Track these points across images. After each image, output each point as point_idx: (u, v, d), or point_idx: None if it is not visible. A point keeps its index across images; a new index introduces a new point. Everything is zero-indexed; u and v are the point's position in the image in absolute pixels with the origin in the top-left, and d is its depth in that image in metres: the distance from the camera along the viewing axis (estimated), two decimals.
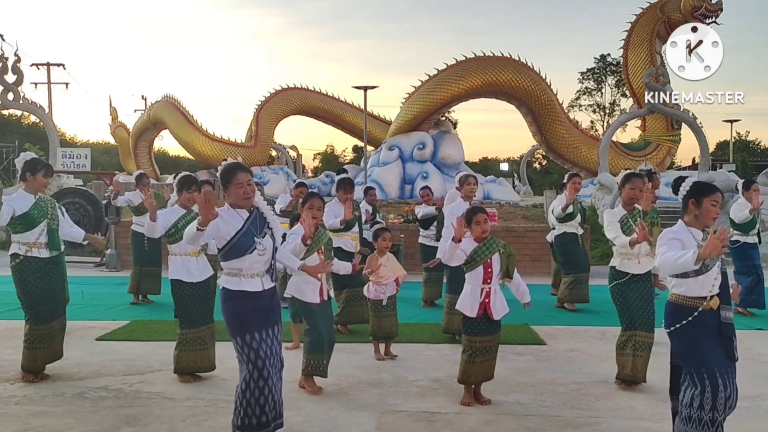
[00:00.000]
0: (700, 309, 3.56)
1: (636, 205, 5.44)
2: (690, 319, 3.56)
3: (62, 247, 5.49)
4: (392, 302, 6.13)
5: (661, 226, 5.50)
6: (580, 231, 8.79)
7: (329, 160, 55.89)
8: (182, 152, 30.34)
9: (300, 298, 5.06)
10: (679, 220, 3.75)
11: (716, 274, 3.54)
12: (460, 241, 4.67)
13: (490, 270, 4.80)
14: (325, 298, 5.13)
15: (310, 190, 7.60)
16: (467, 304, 4.82)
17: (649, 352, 5.25)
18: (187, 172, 5.70)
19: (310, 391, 5.05)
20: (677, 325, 3.60)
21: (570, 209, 8.43)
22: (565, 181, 8.71)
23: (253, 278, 3.82)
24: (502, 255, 4.85)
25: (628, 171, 5.61)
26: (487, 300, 4.79)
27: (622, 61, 21.23)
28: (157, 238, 5.46)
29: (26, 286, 5.28)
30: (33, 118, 36.73)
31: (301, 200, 5.45)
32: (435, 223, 8.98)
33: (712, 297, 3.55)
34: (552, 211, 8.78)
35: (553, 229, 9.27)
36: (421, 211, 9.15)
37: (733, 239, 8.42)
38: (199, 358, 5.36)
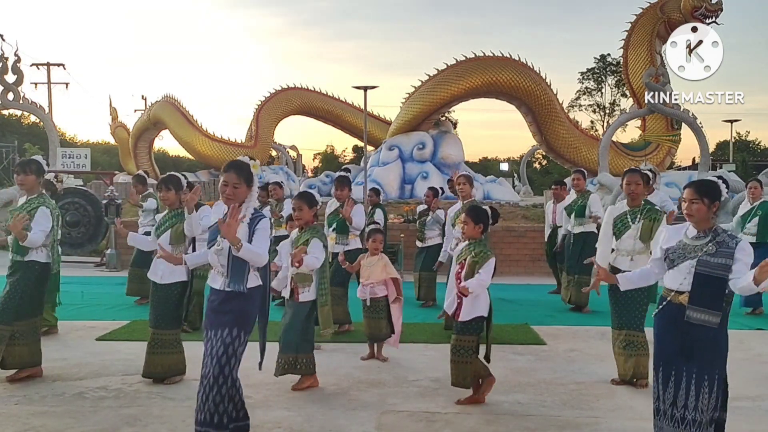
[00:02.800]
0: (668, 299, 3.63)
1: (642, 201, 5.53)
2: (661, 306, 3.67)
3: (26, 256, 5.26)
4: (378, 305, 6.07)
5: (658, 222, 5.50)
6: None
7: (329, 160, 55.94)
8: (182, 152, 30.40)
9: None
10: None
11: (686, 274, 3.55)
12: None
13: (460, 270, 4.84)
14: (287, 296, 5.21)
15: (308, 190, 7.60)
16: (449, 301, 4.92)
17: (641, 349, 5.29)
18: (171, 173, 5.69)
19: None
20: (655, 311, 3.73)
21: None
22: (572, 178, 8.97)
23: (217, 275, 3.96)
24: (472, 258, 4.83)
25: (629, 168, 5.69)
26: (459, 300, 4.81)
27: (622, 61, 21.18)
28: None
29: None
30: (33, 118, 36.74)
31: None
32: (418, 224, 9.15)
33: (682, 293, 3.56)
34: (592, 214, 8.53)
35: (560, 227, 9.31)
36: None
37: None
38: (153, 363, 5.26)
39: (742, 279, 3.40)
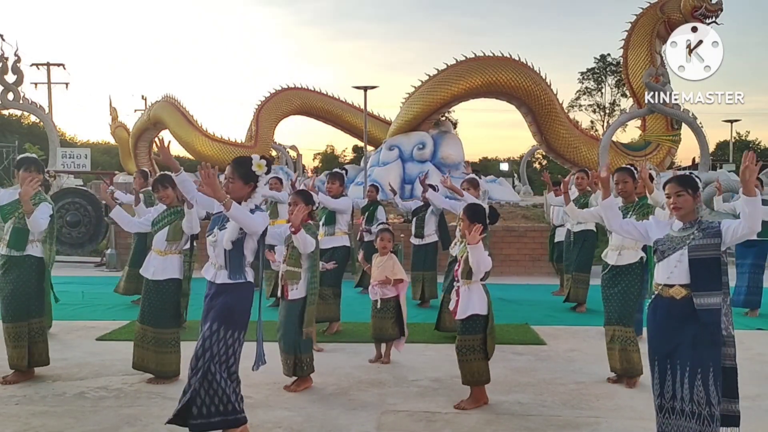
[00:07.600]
0: (656, 293, 3.71)
1: (636, 197, 5.56)
2: (651, 300, 3.75)
3: (26, 251, 5.24)
4: (387, 305, 6.03)
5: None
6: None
7: (329, 160, 55.95)
8: (182, 152, 30.29)
9: None
10: None
11: (675, 264, 3.61)
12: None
13: (458, 268, 4.89)
14: (279, 295, 5.26)
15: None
16: (453, 300, 4.95)
17: (631, 345, 5.31)
18: (164, 172, 5.68)
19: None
20: (648, 306, 3.81)
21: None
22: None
23: (211, 265, 4.03)
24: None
25: (618, 167, 5.75)
26: (457, 298, 4.83)
27: (622, 61, 21.17)
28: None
29: None
30: (33, 118, 36.69)
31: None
32: (415, 220, 9.13)
33: (672, 286, 3.61)
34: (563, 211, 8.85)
35: (561, 226, 9.36)
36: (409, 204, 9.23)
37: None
38: (143, 357, 5.28)
39: (735, 222, 3.54)
